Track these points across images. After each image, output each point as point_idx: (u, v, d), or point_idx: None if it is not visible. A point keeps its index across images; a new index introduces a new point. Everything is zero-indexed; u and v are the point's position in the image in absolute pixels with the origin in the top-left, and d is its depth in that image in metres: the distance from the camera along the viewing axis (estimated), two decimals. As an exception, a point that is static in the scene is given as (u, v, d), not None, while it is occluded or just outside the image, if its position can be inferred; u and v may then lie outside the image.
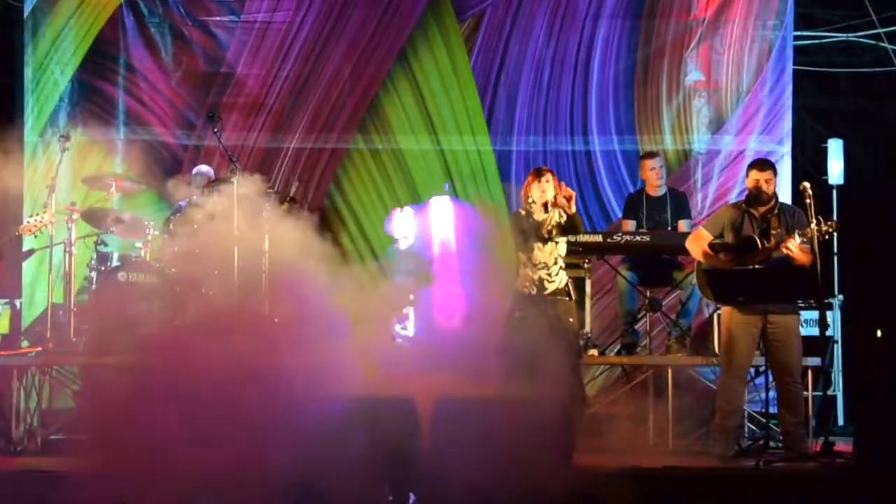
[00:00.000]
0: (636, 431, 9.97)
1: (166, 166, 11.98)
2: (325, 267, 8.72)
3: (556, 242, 9.06)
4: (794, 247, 8.66)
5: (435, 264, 9.42)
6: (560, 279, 9.06)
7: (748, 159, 11.41)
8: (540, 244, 9.03)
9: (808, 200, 8.64)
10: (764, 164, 9.06)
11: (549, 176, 9.05)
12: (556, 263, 9.06)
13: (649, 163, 10.75)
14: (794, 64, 12.15)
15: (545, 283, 9.02)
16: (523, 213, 9.13)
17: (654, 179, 10.74)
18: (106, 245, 10.44)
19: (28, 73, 11.99)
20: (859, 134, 12.12)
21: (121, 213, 10.54)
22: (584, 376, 9.69)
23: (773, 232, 8.83)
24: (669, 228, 10.53)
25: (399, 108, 12.23)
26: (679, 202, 10.76)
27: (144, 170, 11.88)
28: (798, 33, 12.29)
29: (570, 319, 9.06)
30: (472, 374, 7.83)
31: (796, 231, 8.70)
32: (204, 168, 11.16)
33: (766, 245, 8.80)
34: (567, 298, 9.07)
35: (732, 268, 8.84)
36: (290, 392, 7.44)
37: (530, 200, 9.06)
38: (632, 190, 11.67)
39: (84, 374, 9.65)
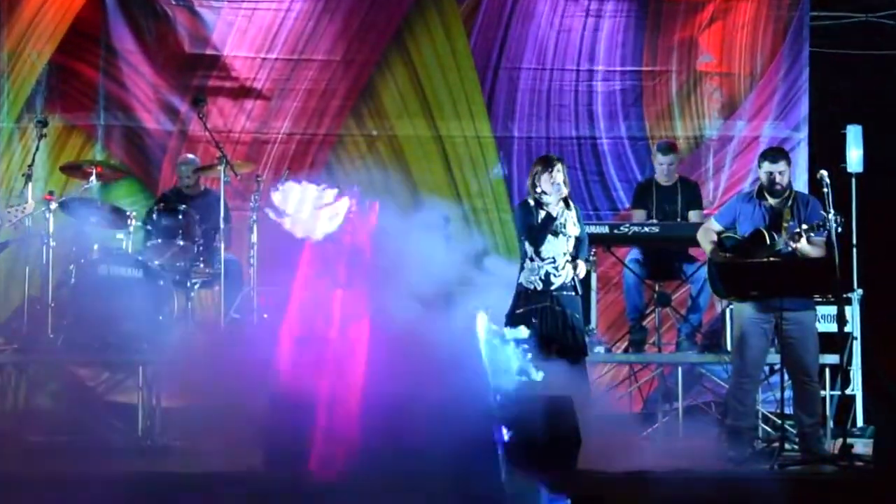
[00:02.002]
0: (644, 432, 9.99)
1: (149, 153, 11.96)
2: None
3: (567, 237, 9.06)
4: (802, 243, 8.64)
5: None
6: (567, 273, 9.06)
7: (762, 146, 11.41)
8: (550, 236, 9.03)
9: (825, 189, 8.62)
10: (776, 154, 9.02)
11: (559, 166, 9.03)
12: (564, 256, 9.06)
13: (662, 158, 10.72)
14: (812, 46, 12.13)
15: (551, 277, 9.01)
16: (531, 203, 9.12)
17: (662, 175, 10.73)
18: (86, 236, 10.40)
19: (3, 55, 11.93)
20: (880, 119, 12.08)
21: (101, 203, 10.51)
22: (589, 375, 9.66)
23: (785, 224, 8.82)
24: (680, 219, 10.52)
25: (394, 92, 12.19)
26: (691, 192, 10.75)
27: (126, 157, 11.88)
28: (815, 13, 12.26)
29: (577, 315, 9.06)
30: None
31: (802, 227, 8.67)
32: (189, 156, 11.15)
33: (776, 239, 8.78)
34: (573, 293, 9.07)
35: (744, 261, 8.83)
36: None
37: (539, 190, 9.05)
38: (640, 178, 11.66)
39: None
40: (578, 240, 9.16)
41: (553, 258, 9.03)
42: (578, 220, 9.14)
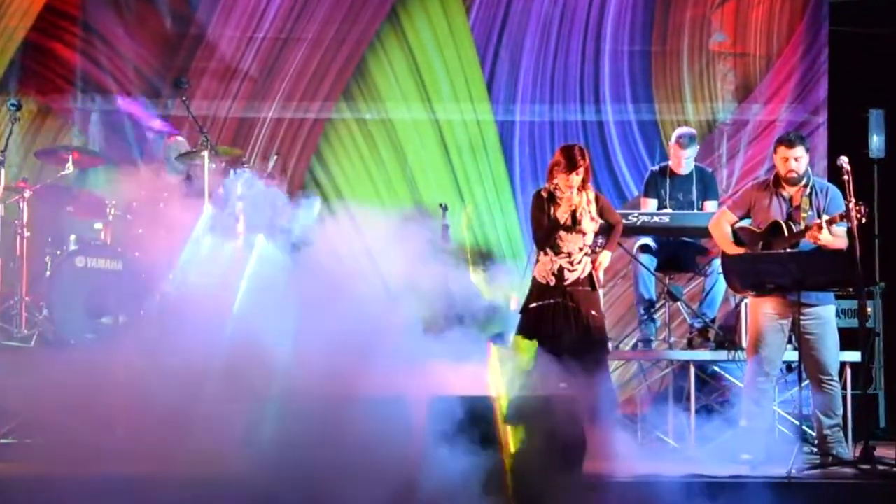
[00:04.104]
0: (654, 434, 9.96)
1: (129, 138, 11.93)
2: None
3: (584, 233, 9.04)
4: (824, 234, 8.60)
5: None
6: (582, 268, 9.03)
7: (779, 131, 11.41)
8: (563, 232, 9.01)
9: (845, 177, 8.56)
10: (793, 140, 8.96)
11: (582, 168, 8.99)
12: (580, 251, 9.04)
13: (683, 152, 10.54)
14: (831, 24, 12.10)
15: (565, 272, 8.99)
16: (545, 195, 9.09)
17: (679, 164, 10.63)
18: (62, 226, 10.37)
19: (-27, 34, 11.96)
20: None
21: (78, 191, 10.48)
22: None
23: (803, 214, 8.78)
24: (695, 210, 10.48)
25: (389, 72, 12.19)
26: (706, 181, 10.68)
27: (105, 142, 11.84)
28: (835, -10, 12.27)
29: (593, 312, 9.03)
30: None
31: (823, 216, 8.63)
32: (179, 139, 11.12)
33: (794, 231, 8.75)
34: (589, 288, 9.05)
35: (760, 253, 8.80)
36: None
37: (555, 183, 9.02)
38: (649, 164, 11.62)
39: None
40: (611, 226, 9.16)
41: (568, 253, 9.01)
42: (604, 211, 9.11)
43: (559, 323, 8.90)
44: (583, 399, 8.02)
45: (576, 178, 8.95)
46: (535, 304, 9.03)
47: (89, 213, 10.43)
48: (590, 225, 9.02)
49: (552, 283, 8.99)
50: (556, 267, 9.00)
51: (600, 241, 9.26)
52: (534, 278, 9.13)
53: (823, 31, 12.06)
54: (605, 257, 9.21)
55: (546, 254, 9.06)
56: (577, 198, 9.00)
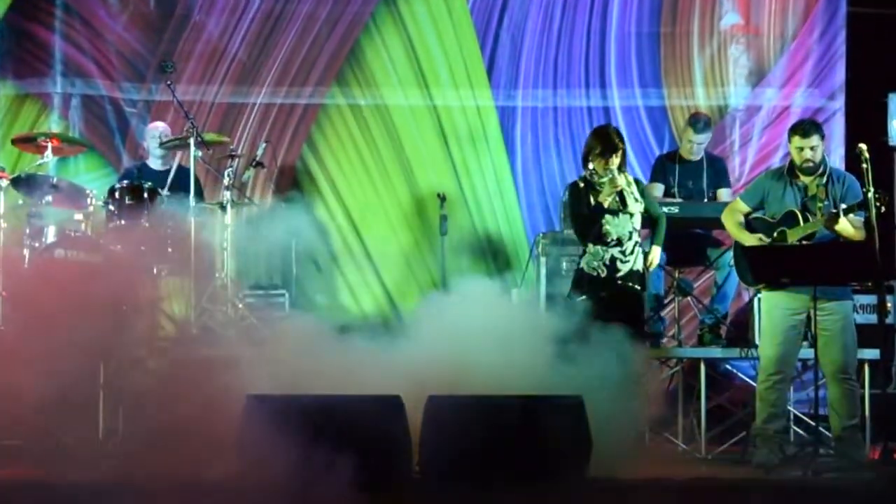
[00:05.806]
0: (662, 436, 9.95)
1: (111, 125, 11.91)
2: None
3: (631, 214, 9.00)
4: (841, 224, 8.58)
5: None
6: (636, 259, 8.97)
7: (794, 117, 11.41)
8: (609, 216, 8.97)
9: (864, 165, 8.58)
10: (808, 128, 8.95)
11: (621, 152, 8.96)
12: (630, 238, 8.99)
13: (696, 136, 10.55)
14: (849, 5, 12.09)
15: (618, 263, 8.95)
16: (581, 185, 9.06)
17: (688, 152, 10.62)
18: (41, 217, 10.34)
19: (-55, 15, 11.94)
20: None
21: (58, 180, 10.45)
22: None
23: (819, 204, 8.78)
24: (706, 199, 10.47)
25: (384, 56, 12.17)
26: (717, 168, 10.70)
27: (86, 129, 11.82)
28: (854, -31, 12.25)
29: (637, 315, 9.00)
30: None
31: (840, 206, 8.62)
32: (161, 126, 11.10)
33: (810, 221, 8.74)
34: (639, 287, 9.00)
35: (773, 244, 8.79)
36: None
37: (591, 167, 8.99)
38: (657, 152, 11.61)
39: None
40: (653, 220, 9.11)
41: (618, 240, 8.95)
42: (643, 195, 9.08)
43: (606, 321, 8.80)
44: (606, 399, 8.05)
45: (614, 163, 8.91)
46: (582, 296, 8.95)
47: (69, 203, 10.39)
48: (635, 206, 8.97)
49: (603, 275, 8.93)
50: (607, 257, 8.93)
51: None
52: (580, 269, 9.03)
53: (841, 12, 12.05)
54: (656, 254, 9.14)
55: (594, 244, 8.99)
56: (621, 179, 8.95)
